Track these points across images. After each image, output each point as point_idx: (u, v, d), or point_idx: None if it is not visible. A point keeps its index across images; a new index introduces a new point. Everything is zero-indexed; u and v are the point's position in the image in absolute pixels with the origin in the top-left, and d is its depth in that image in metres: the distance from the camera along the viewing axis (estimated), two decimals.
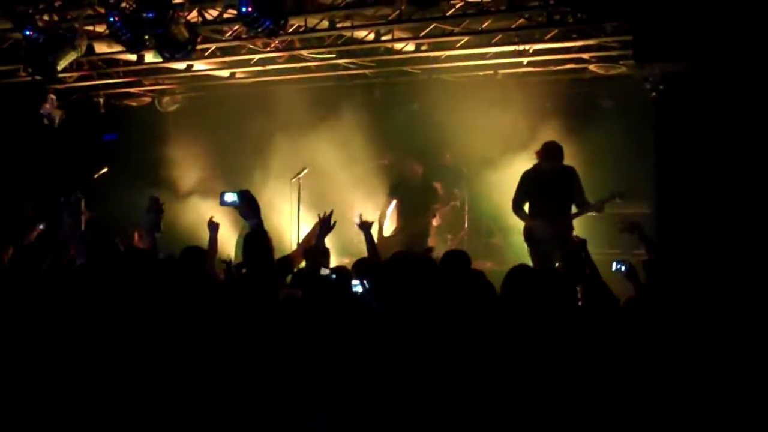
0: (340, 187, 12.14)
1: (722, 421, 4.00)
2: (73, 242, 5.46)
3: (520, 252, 9.78)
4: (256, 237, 4.73)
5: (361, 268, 6.60)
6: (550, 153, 9.32)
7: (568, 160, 9.94)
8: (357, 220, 7.13)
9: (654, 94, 9.49)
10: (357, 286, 5.83)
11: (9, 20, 9.44)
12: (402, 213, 11.39)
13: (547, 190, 9.29)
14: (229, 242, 11.34)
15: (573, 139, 10.86)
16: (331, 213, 7.03)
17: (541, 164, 9.38)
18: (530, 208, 9.42)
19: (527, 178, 9.46)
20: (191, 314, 4.47)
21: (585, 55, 10.16)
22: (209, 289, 4.97)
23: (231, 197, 5.00)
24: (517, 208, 9.47)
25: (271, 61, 10.97)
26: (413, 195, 11.19)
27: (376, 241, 10.79)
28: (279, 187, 11.85)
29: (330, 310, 4.57)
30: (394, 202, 11.40)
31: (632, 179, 9.90)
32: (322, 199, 12.34)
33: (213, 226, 7.21)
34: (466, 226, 11.93)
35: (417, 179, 11.26)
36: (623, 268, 6.27)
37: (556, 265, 7.65)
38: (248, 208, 4.79)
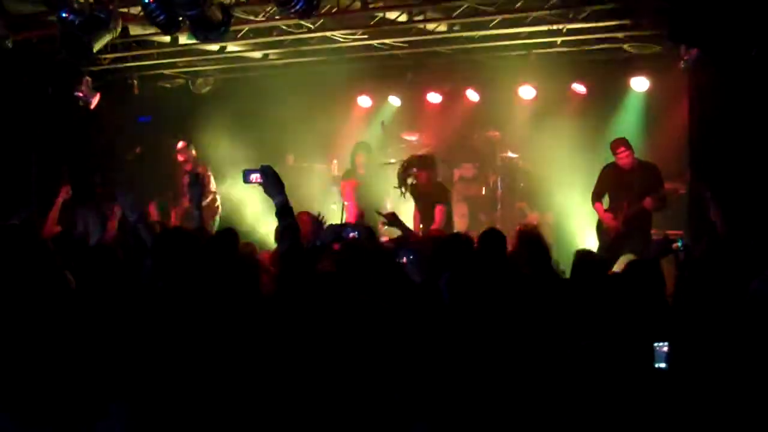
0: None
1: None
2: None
3: (554, 232, 9.76)
4: (285, 217, 4.68)
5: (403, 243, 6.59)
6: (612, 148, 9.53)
7: (601, 141, 9.91)
8: (382, 219, 7.20)
9: (688, 73, 9.40)
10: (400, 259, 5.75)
11: (45, 2, 9.52)
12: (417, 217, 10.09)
13: (620, 185, 9.47)
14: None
15: (606, 119, 10.84)
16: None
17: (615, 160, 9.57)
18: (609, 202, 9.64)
19: (604, 173, 9.66)
20: (217, 299, 4.42)
21: (619, 35, 10.06)
22: (240, 272, 4.92)
23: (254, 175, 4.84)
24: (593, 201, 9.72)
25: (304, 42, 10.97)
26: (422, 201, 9.94)
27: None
28: (313, 168, 11.90)
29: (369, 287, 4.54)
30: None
31: (667, 159, 9.84)
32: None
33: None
34: (499, 207, 11.90)
35: (426, 184, 9.86)
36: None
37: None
38: (271, 185, 4.68)
